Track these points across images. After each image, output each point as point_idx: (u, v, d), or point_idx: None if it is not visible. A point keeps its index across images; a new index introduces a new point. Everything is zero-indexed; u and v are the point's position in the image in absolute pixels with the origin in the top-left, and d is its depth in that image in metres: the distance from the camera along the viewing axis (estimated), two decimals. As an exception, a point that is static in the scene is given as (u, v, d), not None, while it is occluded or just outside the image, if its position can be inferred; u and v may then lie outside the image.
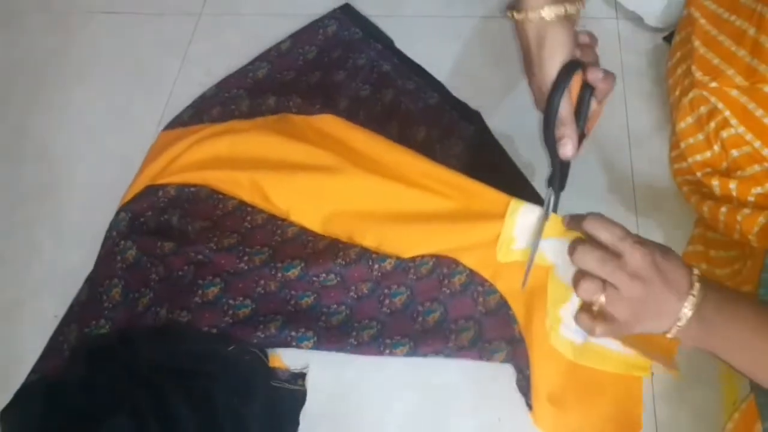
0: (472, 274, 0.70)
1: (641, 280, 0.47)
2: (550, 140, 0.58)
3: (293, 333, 0.70)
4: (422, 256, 0.71)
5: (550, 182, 0.61)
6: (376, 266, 0.72)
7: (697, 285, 0.48)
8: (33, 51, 1.00)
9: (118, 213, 0.79)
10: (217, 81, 0.92)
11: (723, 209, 0.66)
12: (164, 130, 0.87)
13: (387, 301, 0.71)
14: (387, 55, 0.92)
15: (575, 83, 0.58)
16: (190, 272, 0.74)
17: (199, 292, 0.72)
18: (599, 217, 0.51)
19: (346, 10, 0.97)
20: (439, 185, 0.70)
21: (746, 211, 0.63)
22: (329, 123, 0.81)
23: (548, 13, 0.55)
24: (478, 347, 0.68)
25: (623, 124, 0.83)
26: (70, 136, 0.88)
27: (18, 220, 0.80)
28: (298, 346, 0.70)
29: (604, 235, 0.49)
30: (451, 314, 0.70)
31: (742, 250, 0.68)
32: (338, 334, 0.70)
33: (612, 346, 0.63)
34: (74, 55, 0.99)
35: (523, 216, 0.63)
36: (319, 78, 0.90)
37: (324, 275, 0.73)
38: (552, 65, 0.57)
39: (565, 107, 0.57)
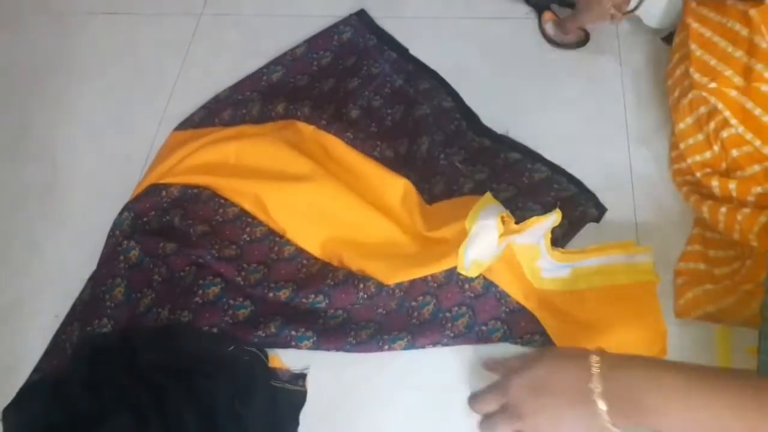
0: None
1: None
2: None
3: (293, 332, 0.70)
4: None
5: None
6: (362, 285, 0.73)
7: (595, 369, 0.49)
8: (33, 51, 1.01)
9: (121, 212, 0.79)
10: (218, 82, 0.92)
11: (723, 209, 0.66)
12: (175, 131, 0.87)
13: (382, 304, 0.72)
14: (402, 63, 0.92)
15: None
16: (191, 273, 0.74)
17: (200, 292, 0.73)
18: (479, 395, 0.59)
19: (362, 16, 0.97)
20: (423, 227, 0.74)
21: (746, 210, 0.64)
22: (334, 145, 0.82)
23: None
24: (475, 332, 0.69)
25: (622, 125, 0.84)
26: (71, 136, 0.88)
27: (18, 220, 0.80)
28: (297, 346, 0.70)
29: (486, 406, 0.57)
30: (443, 304, 0.71)
31: (741, 249, 0.68)
32: (337, 334, 0.71)
33: (602, 260, 0.70)
34: (75, 56, 0.99)
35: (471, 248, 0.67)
36: (333, 85, 0.90)
37: (313, 296, 0.73)
38: None
39: None
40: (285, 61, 0.93)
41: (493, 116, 0.86)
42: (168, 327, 0.71)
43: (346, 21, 0.97)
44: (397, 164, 0.81)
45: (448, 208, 0.76)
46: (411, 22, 0.98)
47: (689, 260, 0.72)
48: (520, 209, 0.75)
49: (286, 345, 0.70)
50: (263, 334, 0.70)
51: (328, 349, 0.70)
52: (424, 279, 0.72)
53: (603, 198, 0.78)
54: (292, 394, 0.69)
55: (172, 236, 0.77)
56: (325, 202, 0.77)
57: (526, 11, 0.96)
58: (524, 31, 0.95)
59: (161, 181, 0.80)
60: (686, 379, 0.47)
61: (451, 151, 0.83)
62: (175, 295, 0.73)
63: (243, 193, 0.79)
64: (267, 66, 0.93)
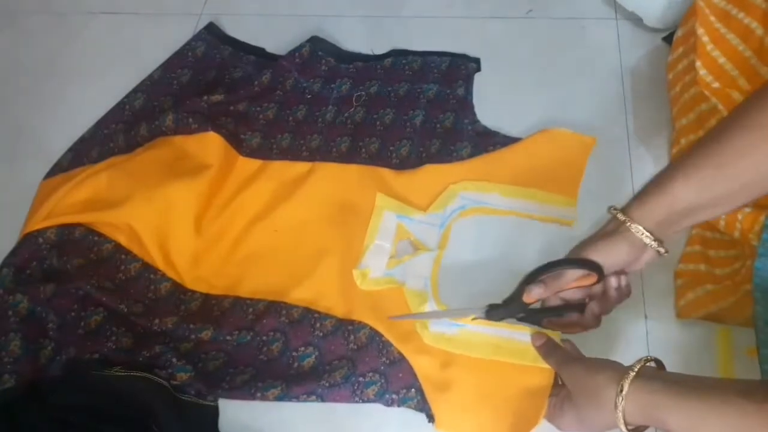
0: (339, 318, 0.72)
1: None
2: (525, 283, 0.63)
3: (173, 360, 0.69)
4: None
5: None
6: (249, 299, 0.74)
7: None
8: (33, 51, 1.01)
9: (0, 269, 0.74)
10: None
11: (724, 207, 0.66)
12: (45, 180, 0.84)
13: (265, 349, 0.71)
14: (263, 63, 0.93)
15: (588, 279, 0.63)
16: (80, 310, 0.72)
17: (82, 323, 0.71)
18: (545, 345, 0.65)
19: (211, 29, 0.97)
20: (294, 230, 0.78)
21: (747, 209, 0.63)
22: (209, 144, 0.82)
23: (642, 236, 0.59)
24: (351, 382, 0.67)
25: (623, 124, 0.84)
26: (70, 136, 0.88)
27: (17, 221, 0.80)
28: (173, 378, 0.68)
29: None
30: (325, 357, 0.70)
31: (741, 249, 0.68)
32: (216, 375, 0.69)
33: (505, 333, 0.68)
34: (75, 56, 1.00)
35: (372, 251, 0.75)
36: (198, 99, 0.87)
37: (196, 333, 0.72)
38: (590, 251, 0.61)
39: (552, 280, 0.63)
40: (144, 87, 0.92)
41: (493, 115, 0.86)
42: (74, 368, 0.69)
43: (197, 37, 0.97)
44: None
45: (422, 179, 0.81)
46: (410, 22, 0.98)
47: (689, 261, 0.71)
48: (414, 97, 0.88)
49: (170, 377, 0.68)
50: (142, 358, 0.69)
51: (208, 388, 0.68)
52: (311, 326, 0.71)
53: (603, 197, 0.78)
54: (203, 408, 0.68)
55: (51, 277, 0.74)
56: (199, 205, 0.78)
57: (526, 11, 0.96)
58: (524, 31, 0.95)
59: (37, 227, 0.77)
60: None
61: (339, 87, 0.90)
62: (78, 338, 0.70)
63: (117, 227, 0.76)
64: (128, 95, 0.91)
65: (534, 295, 0.63)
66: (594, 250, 0.61)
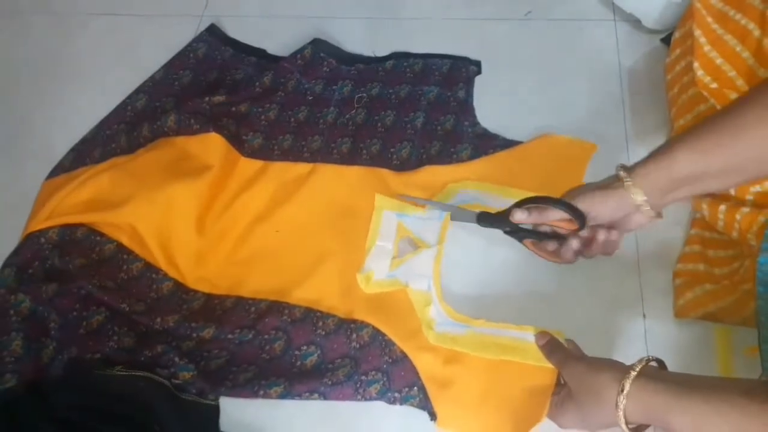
0: (341, 318, 0.72)
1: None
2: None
3: (176, 359, 0.69)
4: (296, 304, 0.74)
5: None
6: (251, 299, 0.74)
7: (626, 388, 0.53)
8: (34, 52, 1.01)
9: (2, 269, 0.74)
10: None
11: (722, 207, 0.66)
12: (47, 180, 0.84)
13: (267, 347, 0.71)
14: (264, 65, 0.93)
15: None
16: (82, 309, 0.72)
17: (84, 323, 0.71)
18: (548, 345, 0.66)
19: (213, 31, 0.98)
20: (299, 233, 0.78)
21: (745, 209, 0.64)
22: (211, 144, 0.82)
23: (635, 196, 0.60)
24: (354, 380, 0.68)
25: (622, 125, 0.84)
26: (72, 136, 0.88)
27: (19, 221, 0.80)
28: (175, 377, 0.68)
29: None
30: (327, 355, 0.70)
31: (740, 249, 0.68)
32: (219, 373, 0.69)
33: (510, 333, 0.69)
34: (75, 57, 1.00)
35: (374, 254, 0.75)
36: (200, 100, 0.87)
37: (198, 332, 0.72)
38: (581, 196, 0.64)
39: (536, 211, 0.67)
40: (146, 88, 0.92)
41: (493, 117, 0.86)
42: (76, 368, 0.69)
43: (198, 38, 0.97)
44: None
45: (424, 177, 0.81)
46: (409, 23, 0.98)
47: (688, 261, 0.72)
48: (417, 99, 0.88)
49: (172, 377, 0.68)
50: (142, 358, 0.69)
51: (211, 386, 0.68)
52: (313, 325, 0.72)
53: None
54: (204, 407, 0.68)
55: (52, 277, 0.74)
56: (201, 206, 0.78)
57: (525, 12, 0.97)
58: (523, 33, 0.95)
59: (39, 228, 0.77)
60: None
61: (341, 88, 0.90)
62: (80, 337, 0.71)
63: (119, 227, 0.77)
64: (129, 96, 0.91)
65: (516, 217, 0.67)
66: (584, 197, 0.63)
